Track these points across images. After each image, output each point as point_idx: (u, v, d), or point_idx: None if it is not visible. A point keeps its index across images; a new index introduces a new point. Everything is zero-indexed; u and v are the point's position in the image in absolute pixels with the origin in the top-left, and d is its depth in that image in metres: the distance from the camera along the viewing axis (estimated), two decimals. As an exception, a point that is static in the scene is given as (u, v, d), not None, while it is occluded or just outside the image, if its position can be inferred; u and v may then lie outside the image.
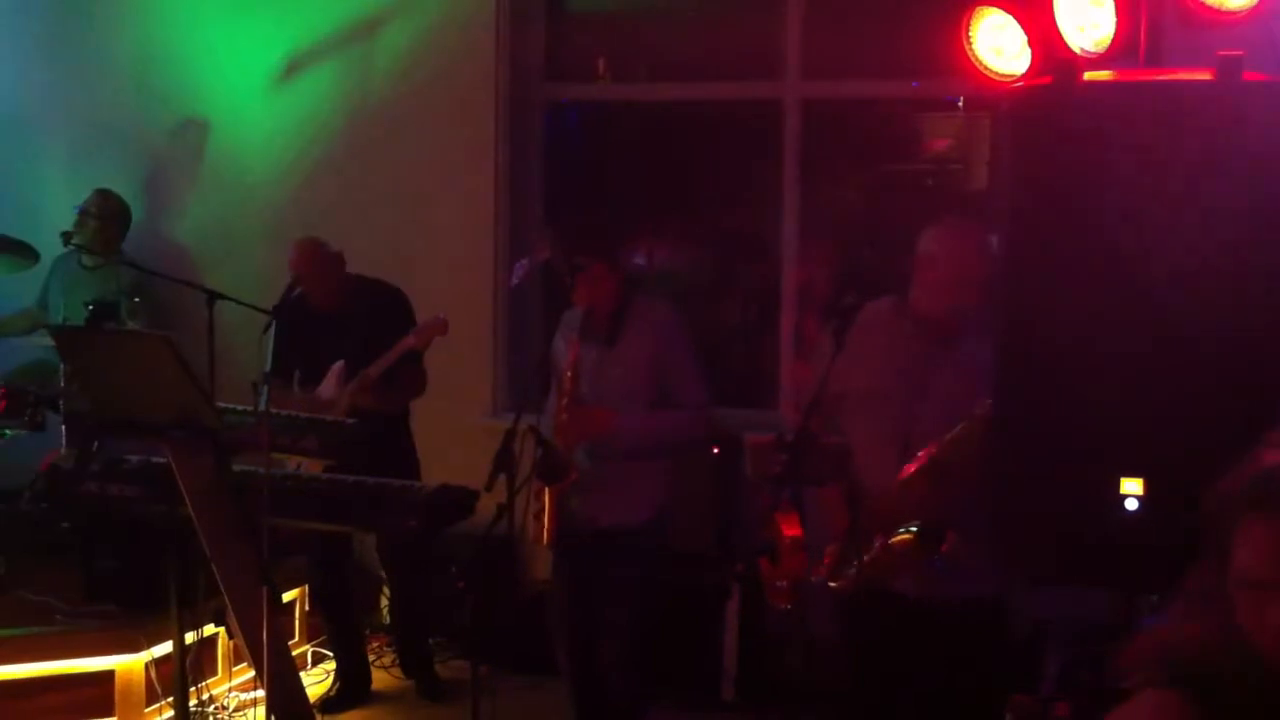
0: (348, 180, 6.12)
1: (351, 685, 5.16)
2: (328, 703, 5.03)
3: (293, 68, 6.22)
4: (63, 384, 5.22)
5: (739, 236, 6.33)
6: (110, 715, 4.58)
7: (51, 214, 6.05)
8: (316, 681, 5.23)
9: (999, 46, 3.15)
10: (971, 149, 6.01)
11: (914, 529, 3.34)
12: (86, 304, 5.05)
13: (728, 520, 5.35)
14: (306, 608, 5.42)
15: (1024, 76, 3.05)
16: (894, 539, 3.38)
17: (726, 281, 6.32)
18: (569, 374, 3.95)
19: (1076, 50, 2.88)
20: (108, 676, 4.60)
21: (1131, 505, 2.66)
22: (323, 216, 6.06)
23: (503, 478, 3.65)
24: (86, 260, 5.93)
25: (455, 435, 5.50)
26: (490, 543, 3.70)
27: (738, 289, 6.33)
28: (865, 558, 3.42)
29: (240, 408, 4.37)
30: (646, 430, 4.02)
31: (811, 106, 5.72)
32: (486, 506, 4.00)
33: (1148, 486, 2.65)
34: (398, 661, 5.36)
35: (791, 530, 3.40)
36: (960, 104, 5.79)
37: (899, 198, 5.96)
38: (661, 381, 4.04)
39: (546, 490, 3.93)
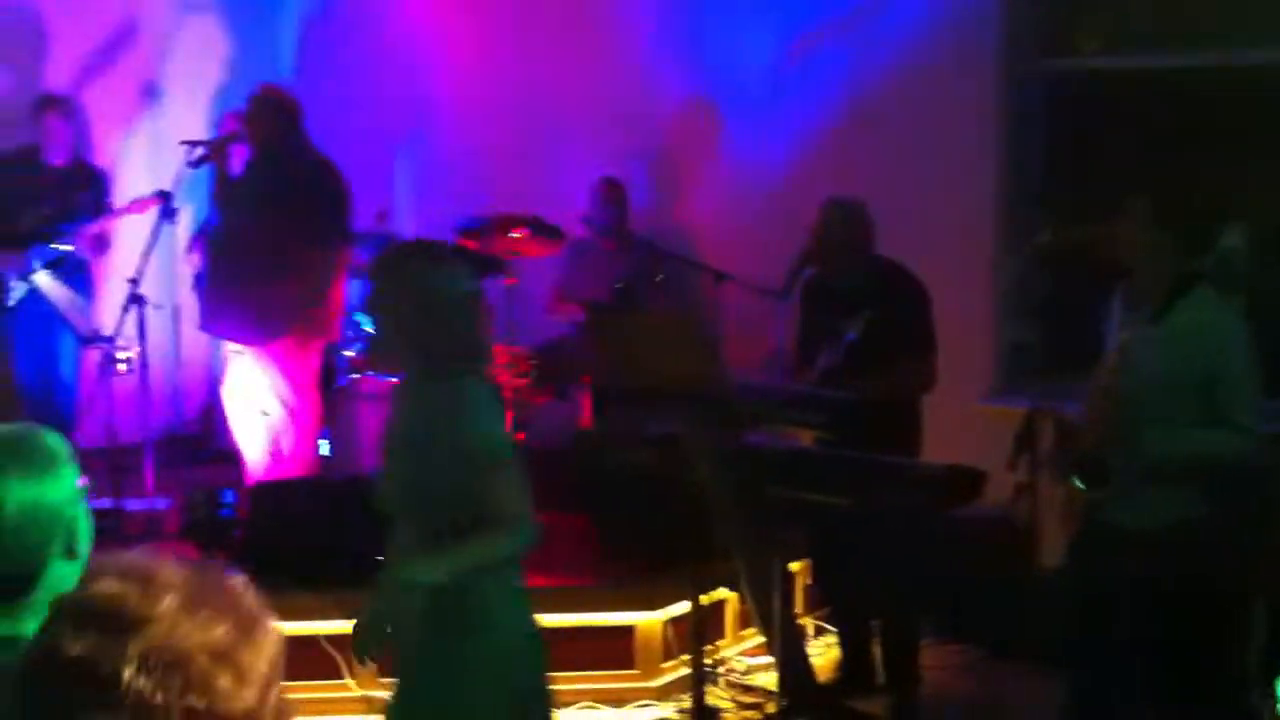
0: (851, 158, 6.16)
1: (855, 673, 5.00)
2: (832, 688, 4.94)
3: (796, 47, 6.36)
4: (591, 357, 5.63)
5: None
6: (631, 668, 4.86)
7: (568, 199, 6.45)
8: (817, 654, 5.32)
9: None
10: None
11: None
12: (614, 284, 5.40)
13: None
14: (809, 580, 5.53)
15: None
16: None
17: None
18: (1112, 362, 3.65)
19: None
20: (629, 631, 4.88)
21: None
22: (824, 194, 6.18)
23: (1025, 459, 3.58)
24: (603, 243, 6.35)
25: (949, 417, 5.41)
26: (1005, 524, 3.66)
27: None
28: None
29: (755, 382, 4.55)
30: (1178, 455, 3.64)
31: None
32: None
33: None
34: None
35: None
36: None
37: None
38: (1209, 387, 3.60)
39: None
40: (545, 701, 3.13)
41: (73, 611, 1.18)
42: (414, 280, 2.95)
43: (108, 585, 1.19)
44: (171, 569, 1.21)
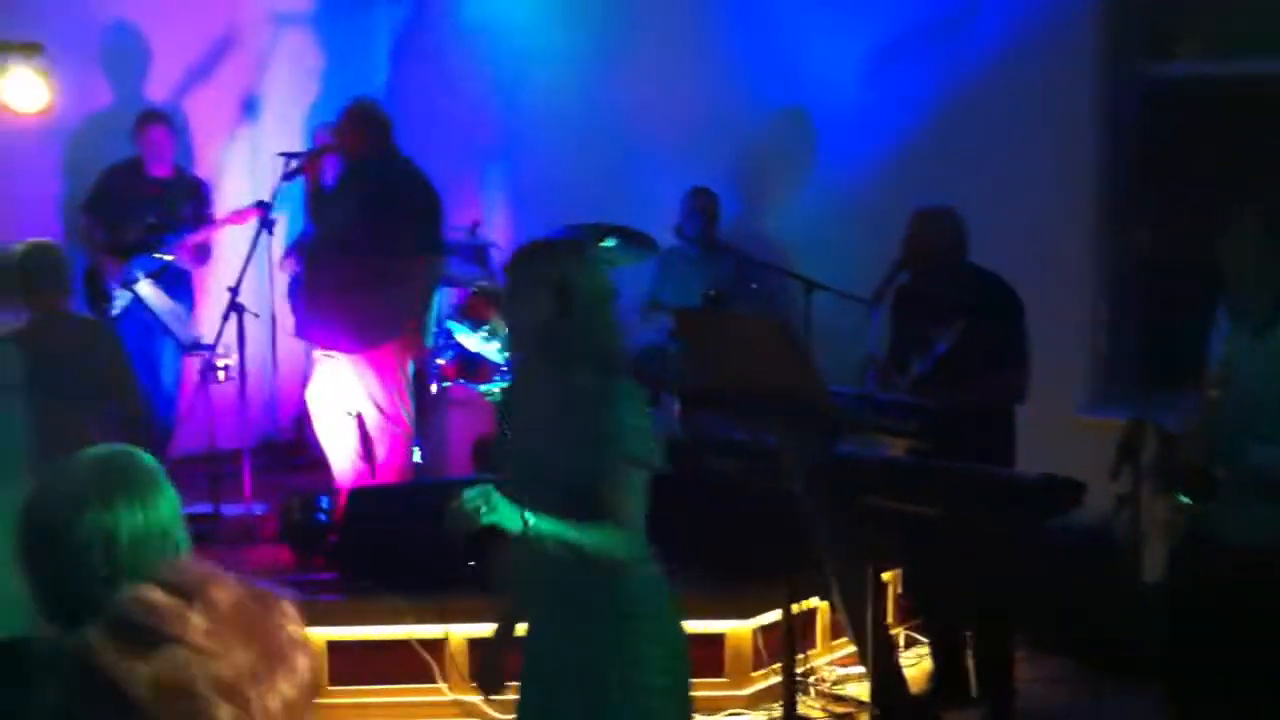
0: (943, 165, 6.09)
1: (948, 685, 4.95)
2: (924, 699, 4.91)
3: (888, 55, 6.31)
4: (681, 365, 5.61)
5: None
6: (721, 675, 4.84)
7: (658, 209, 6.44)
8: (910, 665, 5.27)
9: None
10: None
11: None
12: (704, 292, 5.39)
13: None
14: (899, 589, 5.48)
15: None
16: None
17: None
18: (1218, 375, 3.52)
19: None
20: (719, 639, 4.86)
21: None
22: (917, 202, 6.12)
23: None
24: (695, 253, 6.35)
25: (1044, 428, 5.31)
26: (1104, 536, 3.59)
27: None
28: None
29: (847, 390, 4.52)
30: None
31: None
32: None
33: None
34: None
35: None
36: None
37: None
38: None
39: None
40: (686, 706, 3.06)
41: (112, 618, 1.21)
42: (551, 274, 2.83)
43: (153, 595, 1.22)
44: (222, 588, 1.23)
